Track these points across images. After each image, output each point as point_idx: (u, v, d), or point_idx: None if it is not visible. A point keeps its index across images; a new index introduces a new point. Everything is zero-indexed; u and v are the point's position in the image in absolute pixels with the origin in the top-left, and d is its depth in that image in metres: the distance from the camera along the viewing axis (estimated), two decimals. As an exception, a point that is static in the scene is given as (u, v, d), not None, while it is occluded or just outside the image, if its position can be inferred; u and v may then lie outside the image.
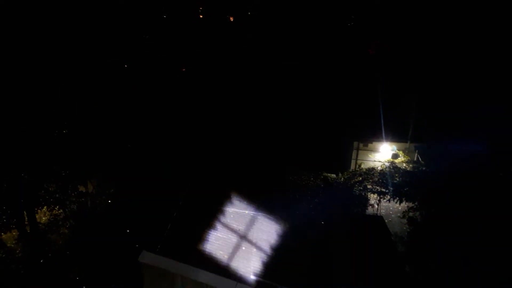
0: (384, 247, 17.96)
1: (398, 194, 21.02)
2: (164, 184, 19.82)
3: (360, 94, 27.97)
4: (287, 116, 26.94)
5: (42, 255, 17.93)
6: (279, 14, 27.97)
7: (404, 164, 24.11)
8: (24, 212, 17.58)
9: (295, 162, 24.39)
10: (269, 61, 27.21)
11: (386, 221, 20.46)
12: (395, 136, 27.25)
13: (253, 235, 18.12)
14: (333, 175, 24.78)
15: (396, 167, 22.79)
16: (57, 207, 18.18)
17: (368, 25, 27.61)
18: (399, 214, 21.13)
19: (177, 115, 23.49)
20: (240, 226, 18.91)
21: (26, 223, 18.04)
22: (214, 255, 16.85)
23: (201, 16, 25.03)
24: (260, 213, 19.43)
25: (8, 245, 17.74)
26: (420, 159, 25.61)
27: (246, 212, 19.75)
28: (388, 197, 21.38)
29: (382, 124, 26.54)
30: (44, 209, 18.33)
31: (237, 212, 19.93)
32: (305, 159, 25.15)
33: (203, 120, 24.48)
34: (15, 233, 18.14)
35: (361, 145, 27.87)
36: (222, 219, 19.60)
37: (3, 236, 17.77)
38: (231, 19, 25.73)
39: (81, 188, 18.69)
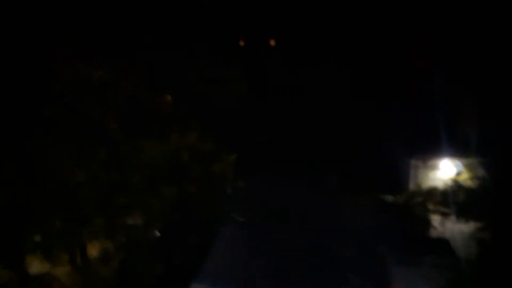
0: (451, 272, 17.49)
1: (464, 214, 20.47)
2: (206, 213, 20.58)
3: (417, 105, 27.66)
4: (335, 133, 27.05)
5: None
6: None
7: (469, 181, 23.41)
8: (76, 247, 18.93)
9: (345, 185, 24.36)
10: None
11: (452, 244, 20.02)
12: (458, 150, 26.53)
13: (306, 259, 18.31)
14: (390, 197, 24.48)
15: (460, 185, 22.25)
16: (106, 240, 19.39)
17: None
18: (466, 236, 20.45)
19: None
20: (292, 254, 19.21)
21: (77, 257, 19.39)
22: (267, 284, 17.20)
23: (242, 43, 26.37)
24: (310, 240, 19.66)
25: (62, 280, 19.07)
26: (487, 175, 24.69)
27: (296, 239, 20.04)
28: (453, 218, 20.88)
29: (442, 138, 25.94)
30: (93, 242, 19.64)
31: (286, 239, 20.24)
32: (357, 181, 25.04)
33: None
34: (67, 267, 19.50)
35: (419, 162, 27.36)
36: (272, 246, 20.03)
37: (57, 272, 19.13)
38: (272, 43, 26.86)
39: (129, 221, 19.83)
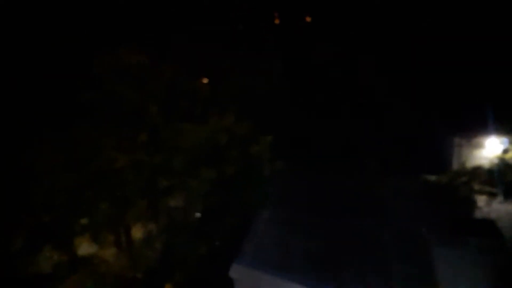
0: (497, 254, 17.08)
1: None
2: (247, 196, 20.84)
3: (459, 81, 26.71)
4: (376, 108, 26.47)
5: (138, 270, 19.85)
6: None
7: (517, 160, 22.62)
8: (121, 229, 19.68)
9: (388, 164, 23.99)
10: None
11: (498, 225, 19.52)
12: (504, 127, 25.53)
13: (345, 242, 18.33)
14: (434, 177, 24.00)
15: (507, 163, 21.57)
16: (149, 222, 20.02)
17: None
18: (514, 217, 19.93)
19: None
20: (331, 236, 19.25)
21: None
22: (306, 266, 17.39)
23: (277, 21, 26.02)
24: (348, 222, 19.61)
25: (108, 261, 19.94)
26: (537, 152, 23.75)
27: (335, 221, 20.03)
28: (500, 198, 20.29)
29: (487, 114, 25.00)
30: (137, 225, 20.32)
31: (325, 221, 20.25)
32: (399, 161, 24.61)
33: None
34: (113, 249, 20.33)
35: (463, 140, 26.54)
36: (311, 228, 20.11)
37: (103, 253, 20.00)
38: (308, 19, 26.40)
39: (172, 203, 20.37)
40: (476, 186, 22.27)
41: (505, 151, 25.63)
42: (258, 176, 21.37)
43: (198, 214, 21.01)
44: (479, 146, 25.93)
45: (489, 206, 21.35)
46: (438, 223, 19.81)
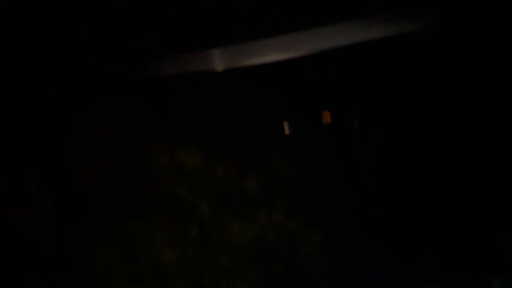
0: None
1: None
2: None
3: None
4: (433, 205, 25.37)
5: None
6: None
7: None
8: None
9: (443, 262, 22.58)
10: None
11: None
12: None
13: None
14: (499, 280, 22.13)
15: None
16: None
17: None
18: None
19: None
20: None
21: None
22: None
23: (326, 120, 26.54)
24: None
25: None
26: None
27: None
28: None
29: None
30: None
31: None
32: (459, 258, 23.02)
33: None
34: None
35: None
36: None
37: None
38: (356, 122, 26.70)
39: None
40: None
41: None
42: (308, 277, 20.91)
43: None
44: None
45: None
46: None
